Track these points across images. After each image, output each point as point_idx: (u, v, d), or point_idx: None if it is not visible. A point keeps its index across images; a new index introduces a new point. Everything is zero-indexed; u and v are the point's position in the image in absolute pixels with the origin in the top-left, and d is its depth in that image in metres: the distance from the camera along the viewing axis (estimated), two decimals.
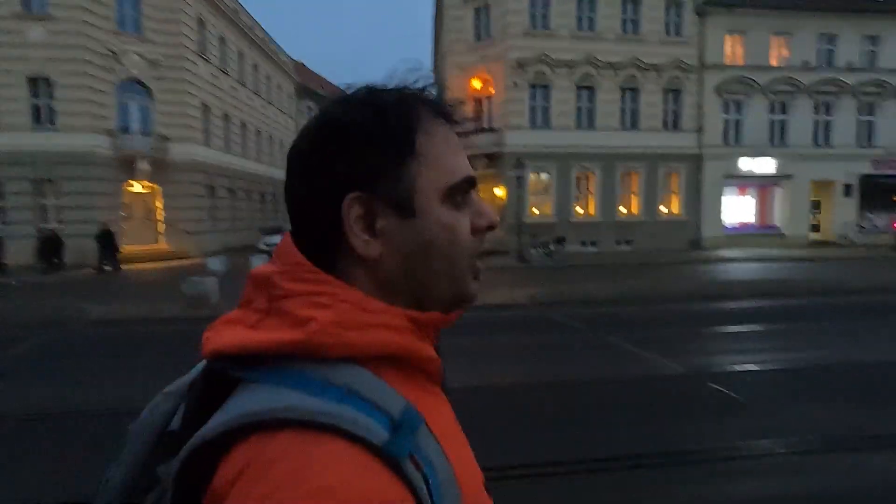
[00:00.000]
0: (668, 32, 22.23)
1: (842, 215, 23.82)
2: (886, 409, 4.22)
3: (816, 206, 24.26)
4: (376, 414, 0.41)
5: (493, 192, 21.00)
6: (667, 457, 3.37)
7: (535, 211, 21.66)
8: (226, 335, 0.46)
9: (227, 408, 0.42)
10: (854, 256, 18.77)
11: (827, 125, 23.33)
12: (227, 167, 24.98)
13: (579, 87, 21.73)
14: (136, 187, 20.75)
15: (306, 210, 0.50)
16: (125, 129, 20.03)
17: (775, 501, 2.89)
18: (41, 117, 18.76)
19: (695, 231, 22.82)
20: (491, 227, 0.54)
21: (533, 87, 21.38)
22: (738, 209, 23.69)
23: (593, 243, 21.88)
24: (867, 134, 23.59)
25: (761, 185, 23.77)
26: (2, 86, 18.09)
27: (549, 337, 7.09)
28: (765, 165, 22.88)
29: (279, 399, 0.40)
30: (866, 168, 23.48)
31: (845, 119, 23.22)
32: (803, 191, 23.41)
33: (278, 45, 34.05)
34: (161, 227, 21.67)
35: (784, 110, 23.04)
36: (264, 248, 22.74)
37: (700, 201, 22.74)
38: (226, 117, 25.47)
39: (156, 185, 21.01)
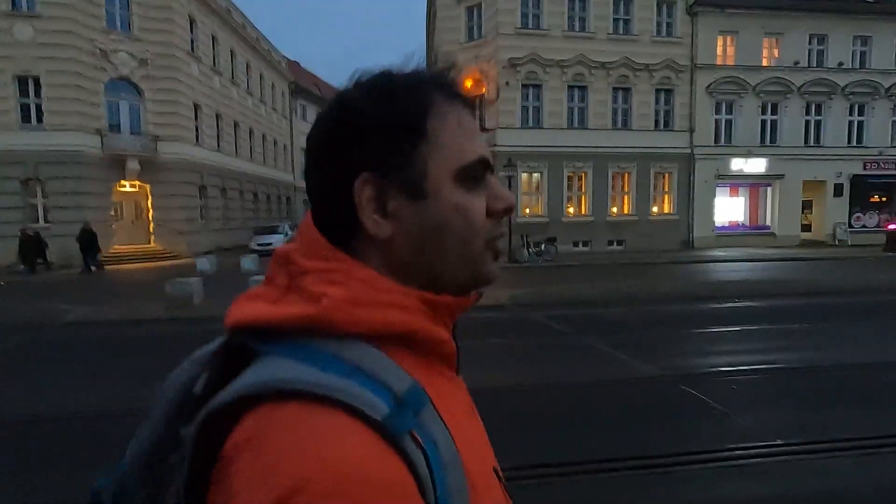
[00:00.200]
0: (659, 32, 22.24)
1: (832, 215, 23.90)
2: (864, 410, 4.21)
3: (807, 206, 24.33)
4: (381, 390, 0.43)
5: None
6: (635, 460, 3.35)
7: (527, 211, 21.65)
8: (246, 309, 0.48)
9: (243, 377, 0.44)
10: (844, 256, 18.83)
11: (818, 125, 23.39)
12: (218, 166, 24.88)
13: (571, 87, 21.72)
14: (127, 187, 20.65)
15: (322, 192, 0.52)
16: (115, 129, 19.94)
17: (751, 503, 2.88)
18: (29, 116, 18.65)
19: (686, 231, 22.86)
20: (508, 210, 0.55)
21: (524, 86, 21.36)
22: (729, 209, 23.74)
23: (585, 243, 21.89)
24: (858, 134, 23.67)
25: (752, 185, 23.82)
26: None
27: (525, 339, 7.06)
28: (756, 165, 22.93)
29: (288, 371, 0.42)
30: (857, 168, 23.55)
31: (836, 119, 23.29)
32: (794, 191, 23.47)
33: (271, 44, 33.94)
34: (152, 227, 21.59)
35: (775, 110, 23.09)
36: (257, 248, 22.68)
37: (692, 201, 22.78)
38: (217, 116, 25.36)
39: (146, 185, 20.91)
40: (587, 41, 21.55)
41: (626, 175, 22.56)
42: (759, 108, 22.90)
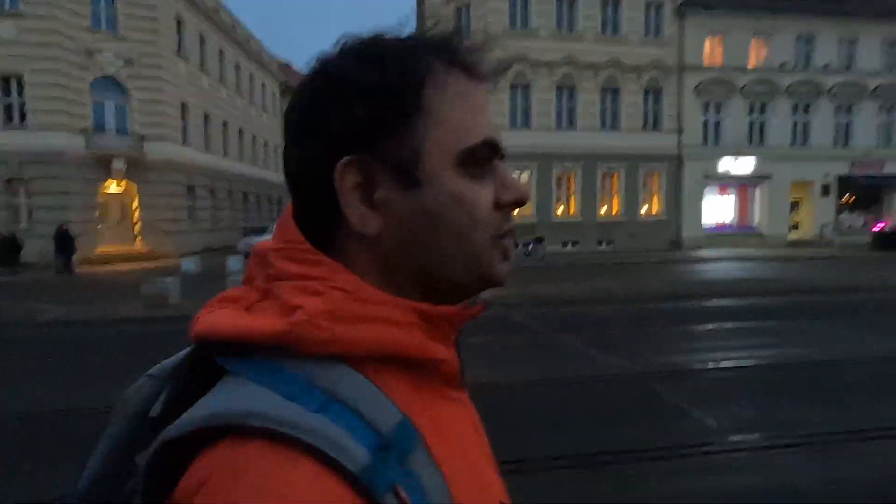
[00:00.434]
0: (647, 33, 22.33)
1: (820, 215, 24.04)
2: (823, 406, 4.19)
3: (795, 206, 24.47)
4: (361, 429, 0.35)
5: None
6: (589, 457, 3.31)
7: (515, 211, 21.51)
8: (216, 317, 0.41)
9: (203, 403, 0.37)
10: (829, 256, 18.92)
11: (805, 126, 23.54)
12: (207, 167, 24.73)
13: (559, 88, 21.76)
14: (112, 187, 20.48)
15: (299, 177, 0.44)
16: (100, 128, 19.78)
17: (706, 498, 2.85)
18: (12, 116, 18.48)
19: (675, 231, 22.92)
20: (518, 202, 0.47)
21: (513, 86, 21.37)
22: (717, 209, 23.83)
23: (574, 243, 21.91)
24: (844, 135, 23.83)
25: (741, 186, 23.93)
26: None
27: (501, 338, 7.00)
28: (744, 166, 23.03)
29: (254, 400, 0.35)
30: (844, 169, 23.71)
31: (823, 120, 23.44)
32: (782, 191, 23.59)
33: (262, 45, 33.84)
34: (138, 228, 21.42)
35: (763, 111, 23.22)
36: (246, 248, 22.59)
37: (680, 202, 22.85)
38: (206, 116, 25.23)
39: (132, 185, 20.75)
40: (575, 42, 21.60)
41: (615, 175, 22.61)
42: (747, 109, 23.02)
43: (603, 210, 22.69)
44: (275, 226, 0.46)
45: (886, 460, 3.26)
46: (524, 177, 21.80)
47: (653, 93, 22.59)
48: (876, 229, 21.29)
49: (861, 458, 3.27)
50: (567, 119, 22.01)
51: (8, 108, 18.44)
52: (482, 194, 0.44)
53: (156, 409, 0.43)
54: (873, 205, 24.57)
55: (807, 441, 3.41)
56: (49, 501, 0.51)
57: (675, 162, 22.68)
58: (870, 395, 4.45)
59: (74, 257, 16.30)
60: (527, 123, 21.65)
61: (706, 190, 23.20)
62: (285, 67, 41.14)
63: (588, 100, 21.93)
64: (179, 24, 22.70)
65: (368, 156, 0.42)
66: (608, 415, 4.11)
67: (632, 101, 22.32)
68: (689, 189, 22.76)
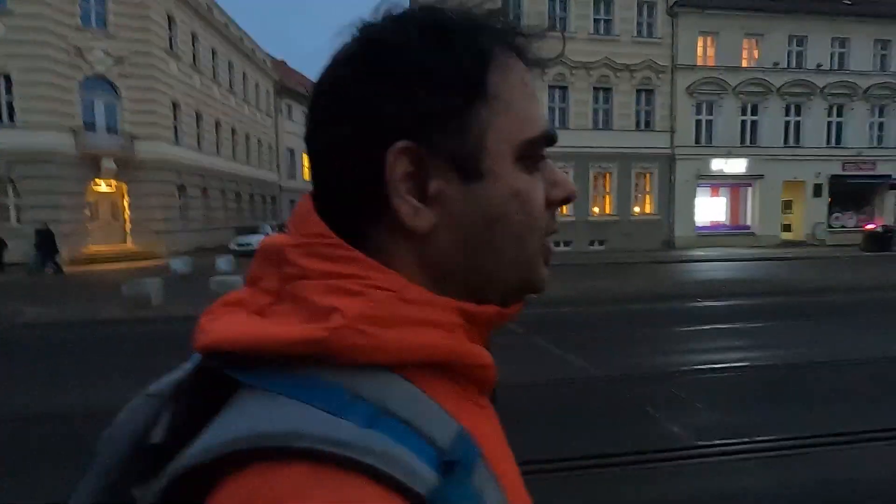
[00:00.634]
0: (640, 33, 22.31)
1: (812, 215, 24.08)
2: (788, 409, 4.18)
3: (787, 206, 24.51)
4: (420, 445, 0.31)
5: None
6: (542, 464, 3.29)
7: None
8: (225, 324, 0.36)
9: (223, 422, 0.32)
10: (820, 256, 18.96)
11: (797, 126, 23.57)
12: (199, 166, 24.66)
13: (552, 87, 21.72)
14: (103, 186, 20.41)
15: (336, 163, 0.39)
16: (90, 127, 19.69)
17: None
18: (1, 115, 18.38)
19: (668, 231, 22.93)
20: (568, 200, 0.43)
21: None
22: (710, 209, 23.85)
23: (567, 243, 21.89)
24: (836, 135, 23.86)
25: (733, 185, 23.95)
26: None
27: None
28: (736, 166, 23.05)
29: (289, 418, 0.30)
30: (836, 169, 23.74)
31: (815, 120, 23.47)
32: (774, 191, 23.62)
33: (256, 44, 33.73)
34: (129, 227, 21.35)
35: (755, 111, 23.22)
36: (236, 248, 22.49)
37: (672, 201, 22.86)
38: (198, 115, 25.14)
39: (123, 185, 20.68)
40: (568, 41, 21.53)
41: (608, 175, 22.61)
42: (739, 109, 23.03)
43: (595, 210, 22.69)
44: (289, 219, 0.42)
45: (852, 466, 3.25)
46: None
47: (645, 92, 22.58)
48: (868, 228, 21.33)
49: (824, 463, 3.27)
50: (559, 118, 21.97)
51: None
52: (538, 191, 0.41)
53: (158, 435, 0.38)
54: (865, 205, 24.63)
55: (765, 447, 3.40)
56: None
57: (668, 161, 22.69)
58: (843, 399, 4.44)
59: (57, 257, 16.21)
60: None
61: (698, 190, 23.22)
62: (280, 65, 41.04)
63: (580, 99, 21.91)
64: (171, 22, 22.62)
65: (425, 143, 0.37)
66: (571, 418, 4.09)
67: (624, 101, 22.31)
68: (682, 189, 22.78)
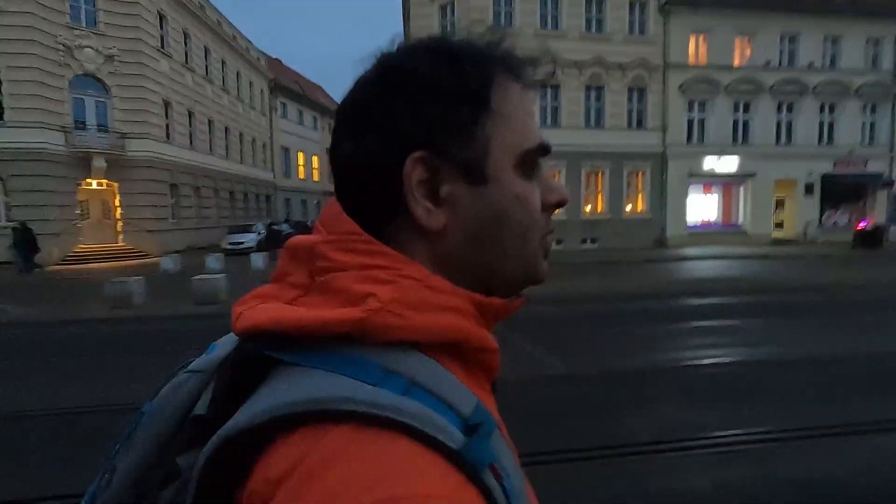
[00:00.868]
0: (632, 31, 22.30)
1: (804, 214, 24.13)
2: (741, 407, 4.20)
3: (780, 204, 24.55)
4: (446, 411, 0.36)
5: None
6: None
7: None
8: (263, 311, 0.40)
9: (270, 392, 0.36)
10: (811, 254, 18.98)
11: (789, 124, 23.60)
12: (191, 164, 24.62)
13: (543, 86, 21.68)
14: (93, 185, 20.36)
15: (359, 171, 0.44)
16: (81, 126, 19.63)
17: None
18: None
19: (660, 229, 22.96)
20: (561, 203, 0.49)
21: None
22: (702, 207, 23.89)
23: (558, 242, 21.87)
24: (828, 133, 23.90)
25: (725, 184, 23.98)
26: None
27: None
28: (728, 164, 23.08)
29: (333, 387, 0.35)
30: (827, 167, 23.79)
31: (807, 118, 23.50)
32: (766, 189, 23.65)
33: (250, 42, 33.65)
34: (120, 226, 21.31)
35: (747, 109, 23.24)
36: (228, 246, 22.47)
37: (664, 200, 22.89)
38: (190, 114, 25.09)
39: (114, 183, 20.64)
40: (559, 40, 21.53)
41: (600, 174, 22.63)
42: (731, 107, 23.05)
43: (587, 208, 22.71)
44: (317, 220, 0.46)
45: (815, 463, 3.27)
46: None
47: (637, 91, 22.58)
48: (858, 228, 21.37)
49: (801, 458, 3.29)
50: (551, 117, 21.99)
51: None
52: (536, 195, 0.47)
53: (201, 407, 0.42)
54: (857, 203, 24.69)
55: (712, 444, 3.42)
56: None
57: (660, 160, 22.71)
58: (810, 396, 4.47)
59: (36, 257, 16.11)
60: None
61: (690, 188, 23.24)
62: (275, 64, 40.93)
63: (572, 97, 21.91)
64: (162, 20, 22.56)
65: (438, 152, 0.43)
66: (538, 416, 4.10)
67: (616, 100, 22.32)
68: (674, 187, 22.80)
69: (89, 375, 5.41)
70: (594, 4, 21.88)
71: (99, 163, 19.61)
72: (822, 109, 23.69)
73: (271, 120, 37.19)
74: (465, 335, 0.42)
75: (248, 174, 32.38)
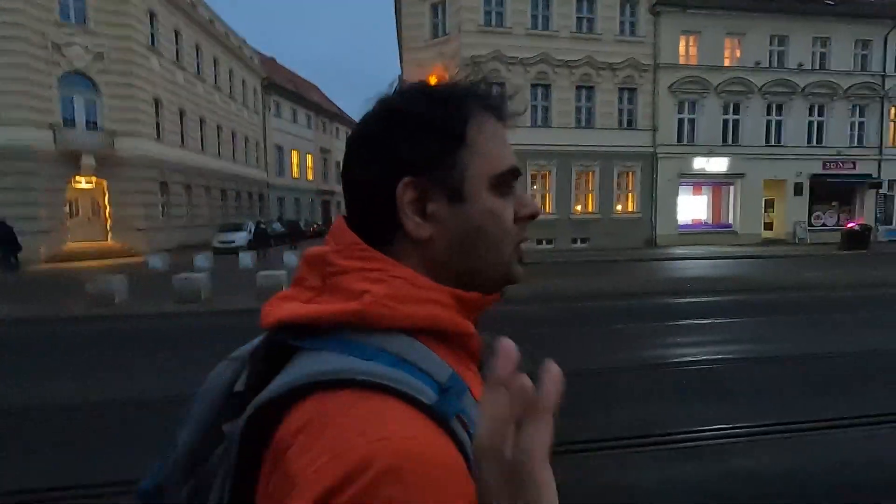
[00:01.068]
0: (622, 32, 22.37)
1: (793, 214, 24.28)
2: (711, 404, 4.25)
3: (769, 204, 24.69)
4: (426, 379, 0.46)
5: None
6: None
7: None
8: (285, 308, 0.51)
9: (291, 370, 0.46)
10: (800, 254, 19.12)
11: (778, 125, 23.73)
12: (182, 163, 24.54)
13: (534, 85, 21.77)
14: (83, 183, 20.28)
15: (363, 193, 0.55)
16: (69, 124, 19.55)
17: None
18: None
19: (650, 229, 23.06)
20: (533, 216, 0.59)
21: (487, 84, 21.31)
22: (692, 208, 24.00)
23: (549, 241, 21.97)
24: (817, 134, 24.05)
25: (715, 184, 24.09)
26: None
27: None
28: (718, 164, 23.19)
29: (338, 362, 0.45)
30: (816, 168, 23.94)
31: (796, 119, 23.64)
32: (756, 190, 23.78)
33: (243, 40, 33.55)
34: (109, 224, 21.23)
35: (737, 110, 23.36)
36: (218, 245, 22.41)
37: (655, 200, 22.98)
38: (181, 112, 25.01)
39: (103, 181, 20.56)
40: (550, 39, 21.61)
41: (590, 173, 22.70)
42: (721, 108, 23.16)
43: (578, 208, 22.78)
44: (328, 235, 0.57)
45: (776, 458, 3.31)
46: None
47: (628, 91, 22.66)
48: (846, 228, 21.52)
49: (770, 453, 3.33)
50: (542, 116, 22.04)
51: None
52: (508, 210, 0.56)
53: (240, 385, 0.53)
54: (845, 204, 24.86)
55: (674, 440, 3.47)
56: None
57: (650, 160, 22.80)
58: (780, 391, 4.51)
59: (19, 254, 15.98)
60: None
61: (681, 188, 23.34)
62: (269, 62, 40.81)
63: (563, 97, 21.96)
64: (152, 17, 22.48)
65: (424, 177, 0.53)
66: None
67: (607, 100, 22.38)
68: (664, 187, 22.89)
69: (65, 373, 5.40)
70: (585, 4, 21.94)
71: (88, 161, 19.53)
72: (811, 110, 23.84)
73: (264, 118, 37.10)
74: (444, 322, 0.51)
75: (240, 173, 32.30)
